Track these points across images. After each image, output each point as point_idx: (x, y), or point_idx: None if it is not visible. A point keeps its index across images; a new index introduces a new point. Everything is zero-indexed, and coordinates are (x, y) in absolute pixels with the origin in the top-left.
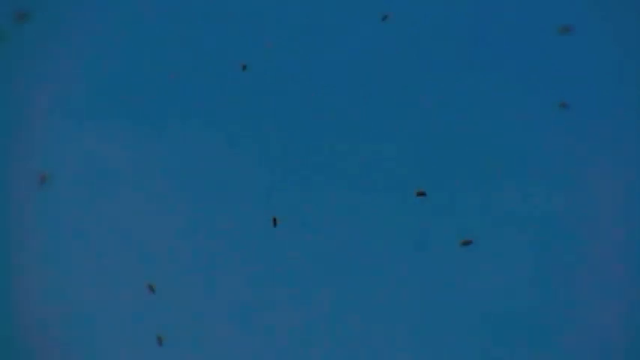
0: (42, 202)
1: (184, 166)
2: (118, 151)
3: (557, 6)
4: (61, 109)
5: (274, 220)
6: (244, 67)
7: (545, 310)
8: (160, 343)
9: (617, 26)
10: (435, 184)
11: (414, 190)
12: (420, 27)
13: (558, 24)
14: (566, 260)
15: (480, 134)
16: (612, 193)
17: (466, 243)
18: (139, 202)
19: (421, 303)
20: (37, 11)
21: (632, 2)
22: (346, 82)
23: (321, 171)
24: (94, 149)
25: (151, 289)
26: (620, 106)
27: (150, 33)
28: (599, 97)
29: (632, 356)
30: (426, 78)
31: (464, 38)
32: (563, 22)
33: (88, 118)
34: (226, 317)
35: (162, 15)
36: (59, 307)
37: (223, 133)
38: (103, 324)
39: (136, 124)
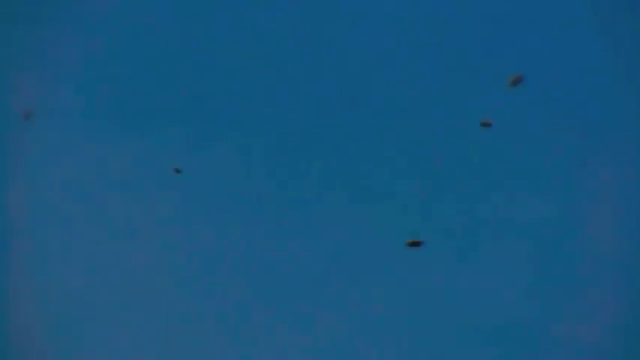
0: (40, 202)
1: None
2: (114, 153)
3: (554, 8)
4: (58, 112)
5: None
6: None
7: (542, 314)
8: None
9: (615, 29)
10: (431, 188)
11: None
12: (412, 33)
13: (554, 26)
14: (561, 265)
15: (476, 140)
16: (608, 199)
17: (414, 243)
18: (135, 204)
19: (417, 307)
20: (35, 13)
21: (630, 4)
22: (345, 87)
23: (319, 175)
24: (90, 151)
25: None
26: (616, 112)
27: (146, 36)
28: (596, 102)
29: None
30: (422, 84)
31: (458, 42)
32: (560, 24)
33: (85, 120)
34: (224, 318)
35: (159, 18)
36: (55, 308)
37: (220, 137)
38: (98, 325)
39: (130, 127)
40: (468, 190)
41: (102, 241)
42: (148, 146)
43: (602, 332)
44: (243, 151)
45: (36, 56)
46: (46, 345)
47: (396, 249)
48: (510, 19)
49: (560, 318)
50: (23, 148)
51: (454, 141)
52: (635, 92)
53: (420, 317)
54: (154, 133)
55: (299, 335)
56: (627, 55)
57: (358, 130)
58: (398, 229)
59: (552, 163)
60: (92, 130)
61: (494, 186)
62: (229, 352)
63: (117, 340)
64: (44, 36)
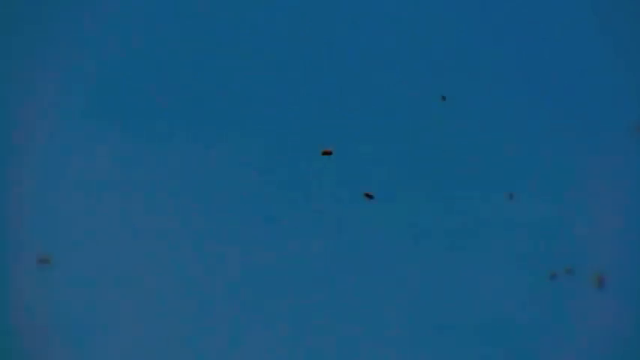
0: (40, 203)
1: (181, 169)
2: (113, 152)
3: (554, 8)
4: (58, 112)
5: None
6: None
7: (540, 315)
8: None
9: (615, 29)
10: (429, 187)
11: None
12: (413, 33)
13: (555, 26)
14: (560, 265)
15: (474, 138)
16: (608, 199)
17: (368, 196)
18: (135, 204)
19: (417, 306)
20: (34, 12)
21: (630, 4)
22: (345, 87)
23: (319, 175)
24: (89, 151)
25: (45, 261)
26: (616, 112)
27: (145, 35)
28: (596, 102)
29: None
30: (422, 84)
31: (458, 42)
32: (561, 24)
33: (85, 120)
34: (224, 318)
35: (159, 17)
36: (55, 308)
37: (220, 137)
38: (97, 326)
39: (130, 127)
40: (468, 190)
41: (102, 241)
42: (148, 146)
43: (602, 332)
44: (243, 151)
45: (37, 56)
46: (47, 345)
47: (397, 249)
48: (510, 18)
49: (560, 318)
50: (24, 148)
51: (454, 141)
52: (635, 92)
53: (419, 317)
54: (154, 132)
55: (299, 335)
56: (627, 55)
57: (358, 130)
58: (398, 229)
59: (552, 163)
60: (92, 129)
61: (494, 186)
62: (229, 351)
63: (117, 339)
64: (45, 36)
